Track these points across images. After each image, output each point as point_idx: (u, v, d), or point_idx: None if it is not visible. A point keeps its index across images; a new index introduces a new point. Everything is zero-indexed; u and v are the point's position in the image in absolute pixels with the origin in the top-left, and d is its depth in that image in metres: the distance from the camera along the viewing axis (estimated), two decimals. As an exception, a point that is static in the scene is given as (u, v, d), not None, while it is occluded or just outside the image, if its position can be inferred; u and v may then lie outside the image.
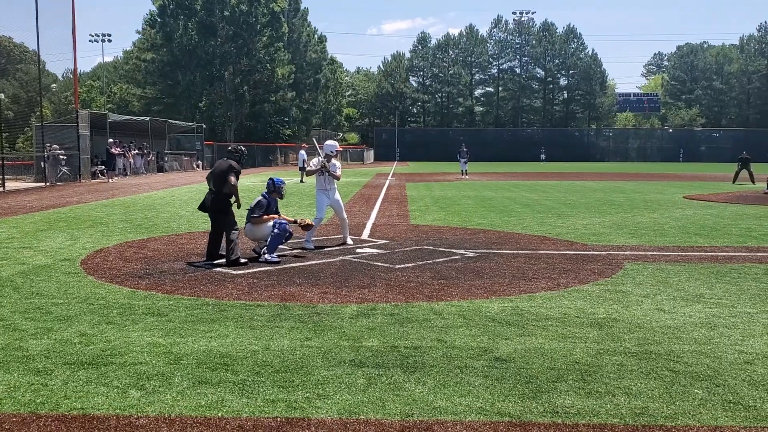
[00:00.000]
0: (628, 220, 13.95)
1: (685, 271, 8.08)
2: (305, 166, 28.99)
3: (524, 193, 22.48)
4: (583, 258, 8.98)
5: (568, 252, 9.53)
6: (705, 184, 30.00)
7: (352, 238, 10.49)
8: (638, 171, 47.65)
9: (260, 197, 8.82)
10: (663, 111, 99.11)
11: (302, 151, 31.34)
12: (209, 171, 8.63)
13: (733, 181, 29.10)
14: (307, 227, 9.03)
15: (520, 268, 8.21)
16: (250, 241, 9.38)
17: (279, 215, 8.96)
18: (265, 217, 8.69)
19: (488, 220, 13.74)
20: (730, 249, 9.98)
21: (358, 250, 9.52)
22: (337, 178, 9.98)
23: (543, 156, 75.54)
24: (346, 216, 10.29)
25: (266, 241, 8.66)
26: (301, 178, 30.01)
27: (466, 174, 35.31)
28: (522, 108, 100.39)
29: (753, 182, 27.77)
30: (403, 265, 8.31)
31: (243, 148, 8.78)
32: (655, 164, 69.77)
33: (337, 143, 10.18)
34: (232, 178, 8.41)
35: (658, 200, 19.47)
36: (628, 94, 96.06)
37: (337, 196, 10.10)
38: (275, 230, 8.55)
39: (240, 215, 8.93)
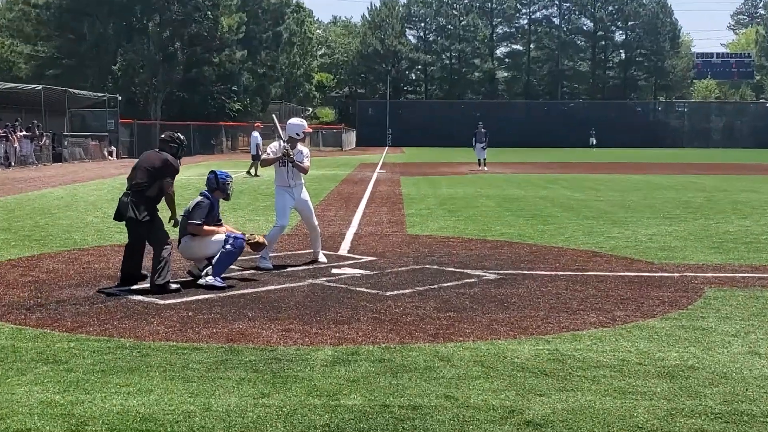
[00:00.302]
0: (710, 228, 14.07)
1: (788, 299, 8.16)
2: (260, 153, 28.98)
3: (565, 192, 22.62)
4: (647, 282, 9.05)
5: (626, 273, 9.59)
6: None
7: (325, 254, 10.51)
8: (724, 161, 48.11)
9: (200, 197, 8.82)
10: (758, 78, 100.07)
11: (256, 133, 31.18)
12: (133, 167, 8.60)
13: None
14: (257, 246, 9.00)
15: (561, 295, 8.26)
16: (184, 260, 9.37)
17: (221, 224, 8.95)
18: (208, 228, 8.68)
19: (516, 229, 13.81)
20: None
21: (335, 271, 9.55)
22: (305, 171, 10.00)
23: (593, 140, 75.89)
24: (317, 223, 10.32)
25: (208, 260, 8.64)
26: (255, 170, 30.04)
27: (485, 164, 35.48)
28: (562, 73, 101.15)
29: None
30: (396, 292, 8.33)
31: (182, 137, 8.78)
32: (747, 151, 70.42)
33: (304, 122, 10.20)
34: (169, 184, 8.41)
35: (751, 202, 19.65)
36: (710, 55, 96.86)
37: (305, 195, 10.12)
38: (227, 247, 8.54)
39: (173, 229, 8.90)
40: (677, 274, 9.54)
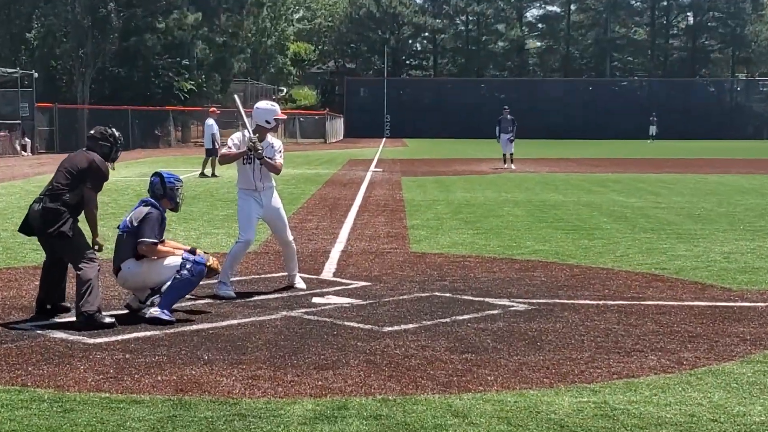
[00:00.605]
0: (803, 244, 14.08)
1: None
2: (217, 146, 28.89)
3: (617, 197, 22.66)
4: (723, 314, 9.05)
5: (696, 303, 9.60)
6: None
7: (304, 278, 10.51)
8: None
9: (147, 208, 8.78)
10: None
11: (211, 121, 31.08)
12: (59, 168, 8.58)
13: None
14: (209, 272, 8.95)
15: (611, 331, 8.25)
16: (120, 287, 9.36)
17: (163, 241, 8.93)
18: (164, 248, 8.65)
19: (552, 245, 13.81)
20: None
21: (316, 300, 9.55)
22: (276, 171, 9.99)
23: (654, 129, 75.75)
24: (292, 238, 10.31)
25: (154, 289, 8.63)
26: (212, 168, 30.01)
27: (512, 161, 35.53)
28: (612, 43, 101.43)
29: None
30: (396, 327, 8.33)
31: (117, 134, 8.78)
32: None
33: (276, 106, 10.18)
34: (92, 195, 8.40)
35: None
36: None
37: (276, 201, 10.12)
38: (184, 272, 8.53)
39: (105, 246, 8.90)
40: (762, 304, 9.53)
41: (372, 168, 35.39)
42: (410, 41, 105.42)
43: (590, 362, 7.19)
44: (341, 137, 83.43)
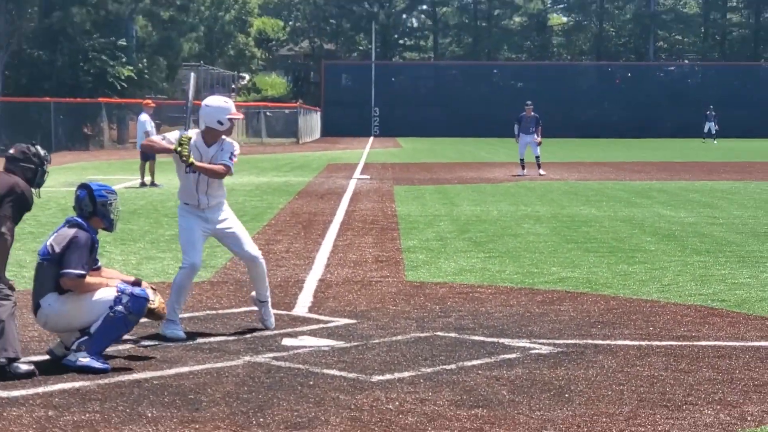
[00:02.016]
0: None
1: None
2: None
3: (663, 210, 22.70)
4: (797, 357, 9.06)
5: (763, 343, 9.59)
6: None
7: (276, 314, 10.50)
8: None
9: (73, 230, 8.73)
10: None
11: (145, 116, 31.11)
12: None
13: None
14: (153, 316, 8.93)
15: (657, 380, 8.26)
16: (45, 331, 9.34)
17: (100, 268, 8.91)
18: (93, 280, 8.61)
19: (583, 272, 13.82)
20: None
21: (288, 342, 9.53)
22: (219, 175, 9.84)
23: (711, 126, 75.75)
24: (259, 252, 10.18)
25: (83, 330, 8.60)
26: (151, 175, 29.95)
27: (539, 166, 35.53)
28: (656, 18, 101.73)
29: None
30: (389, 377, 8.32)
31: (43, 152, 8.78)
32: None
33: (230, 103, 10.07)
34: (8, 227, 8.36)
35: None
36: None
37: (228, 217, 10.05)
38: (119, 309, 8.48)
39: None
40: None
41: (357, 175, 35.39)
42: (404, 16, 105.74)
43: (631, 419, 7.19)
44: (318, 136, 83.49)
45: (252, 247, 10.07)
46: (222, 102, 9.97)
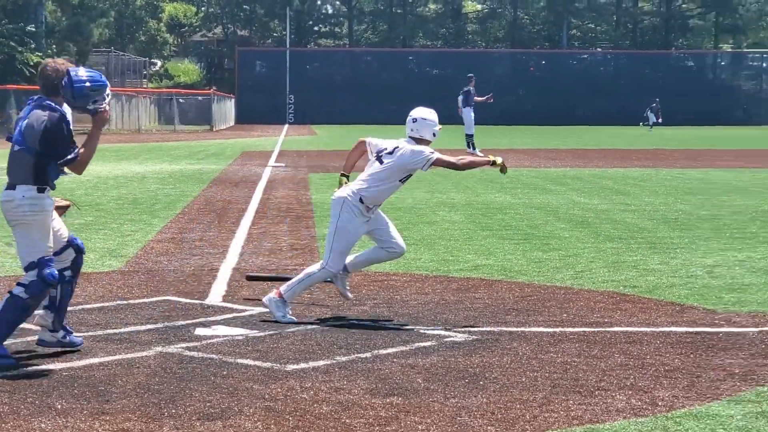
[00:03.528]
0: (804, 255, 14.36)
1: None
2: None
3: (577, 197, 22.90)
4: (706, 342, 9.18)
5: (673, 329, 9.71)
6: None
7: (184, 303, 10.42)
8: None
9: (44, 113, 8.51)
10: None
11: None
12: None
13: None
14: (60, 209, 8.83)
15: (570, 366, 8.32)
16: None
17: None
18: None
19: (497, 259, 13.90)
20: None
21: (201, 332, 9.48)
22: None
23: (652, 117, 76.12)
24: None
25: None
26: None
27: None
28: (569, 6, 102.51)
29: None
30: (303, 365, 8.30)
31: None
32: None
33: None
34: None
35: None
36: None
37: (379, 214, 10.46)
38: (18, 291, 8.40)
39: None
40: (754, 329, 9.69)
41: (271, 162, 35.27)
42: (319, 2, 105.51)
43: (544, 404, 7.23)
44: (232, 123, 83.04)
45: (402, 241, 10.43)
46: (435, 115, 10.53)
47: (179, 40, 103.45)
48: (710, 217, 19.08)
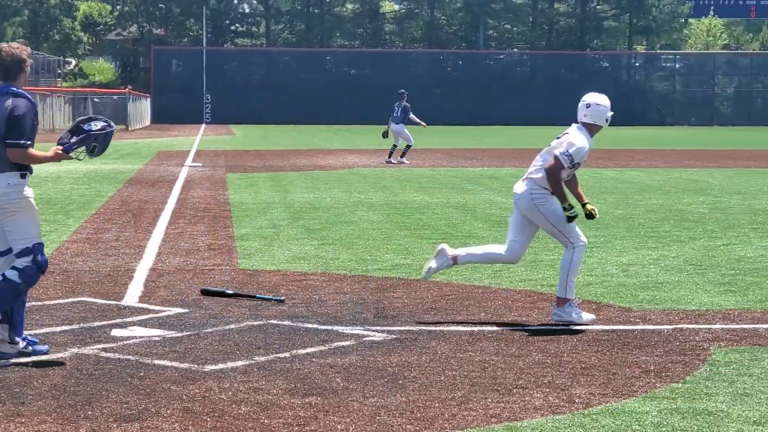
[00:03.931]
0: (717, 254, 14.59)
1: (837, 363, 8.52)
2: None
3: (495, 197, 23.03)
4: (622, 339, 9.29)
5: (590, 327, 9.81)
6: None
7: (100, 304, 10.32)
8: (737, 146, 50.02)
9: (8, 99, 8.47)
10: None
11: None
12: None
13: None
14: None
15: (488, 364, 8.36)
16: None
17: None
18: (36, 152, 8.51)
19: (416, 259, 13.93)
20: None
21: (117, 333, 9.41)
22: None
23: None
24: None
25: None
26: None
27: (391, 155, 35.39)
28: (486, 7, 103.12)
29: None
30: (222, 366, 8.27)
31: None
32: (771, 131, 73.52)
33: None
34: None
35: (778, 210, 20.52)
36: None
37: None
38: (10, 274, 8.35)
39: None
40: (668, 327, 9.82)
41: (188, 162, 35.02)
42: (235, 1, 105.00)
43: (463, 403, 7.26)
44: (148, 123, 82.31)
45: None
46: (608, 101, 10.49)
47: (94, 38, 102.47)
48: (625, 216, 19.29)
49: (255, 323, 9.84)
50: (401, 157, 35.21)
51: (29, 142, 8.36)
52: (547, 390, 7.60)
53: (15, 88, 8.50)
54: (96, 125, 8.89)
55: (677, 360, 8.54)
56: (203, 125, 78.34)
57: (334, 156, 39.37)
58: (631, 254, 14.43)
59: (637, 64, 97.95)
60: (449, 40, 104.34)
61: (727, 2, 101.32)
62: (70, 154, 8.77)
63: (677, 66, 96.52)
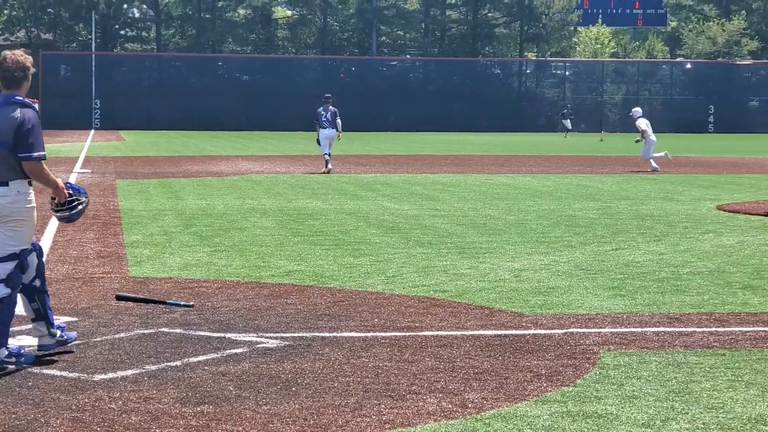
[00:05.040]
0: (606, 259, 14.80)
1: (724, 365, 8.66)
2: None
3: (388, 203, 23.09)
4: (514, 344, 9.36)
5: (483, 332, 9.87)
6: (761, 180, 32.56)
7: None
8: (626, 153, 50.76)
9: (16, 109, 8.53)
10: (673, 24, 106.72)
11: None
12: None
13: None
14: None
15: (382, 370, 8.37)
16: None
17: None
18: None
19: (309, 265, 13.93)
20: (809, 316, 10.90)
21: None
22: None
23: (567, 123, 77.36)
24: None
25: None
26: None
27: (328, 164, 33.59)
28: (378, 14, 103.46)
29: None
30: (112, 375, 8.17)
31: None
32: (659, 136, 74.72)
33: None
34: None
35: (665, 214, 20.90)
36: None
37: None
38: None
39: None
40: (559, 331, 9.93)
41: (77, 169, 34.55)
42: (125, 6, 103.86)
43: (357, 409, 7.27)
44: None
45: None
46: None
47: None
48: (517, 222, 19.46)
49: (146, 331, 9.75)
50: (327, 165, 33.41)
51: (43, 153, 8.59)
52: (441, 395, 7.63)
53: (20, 98, 8.61)
54: (82, 202, 9.26)
55: (568, 364, 8.63)
56: (92, 131, 77.27)
57: (227, 162, 39.15)
58: (523, 259, 14.56)
59: (528, 71, 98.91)
60: (342, 47, 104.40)
61: (614, 11, 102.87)
62: (68, 197, 9.06)
63: (567, 73, 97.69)
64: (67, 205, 9.10)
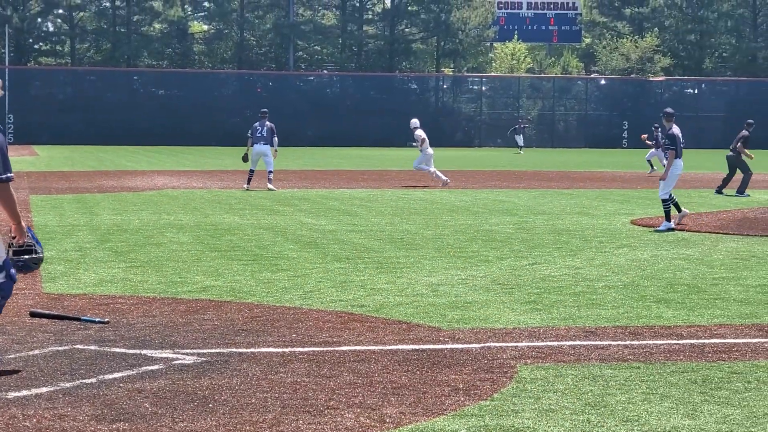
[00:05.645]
0: (522, 273, 14.91)
1: (639, 378, 8.78)
2: None
3: (305, 218, 23.05)
4: (432, 358, 9.40)
5: (401, 347, 9.90)
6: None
7: None
8: (541, 167, 51.20)
9: None
10: (588, 41, 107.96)
11: None
12: None
13: (722, 187, 32.52)
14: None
15: (300, 386, 8.36)
16: None
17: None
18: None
19: (226, 280, 13.86)
20: (727, 330, 11.03)
21: None
22: None
23: (519, 140, 77.38)
24: None
25: None
26: None
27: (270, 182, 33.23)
28: (295, 29, 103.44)
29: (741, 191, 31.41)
30: (25, 393, 8.07)
31: None
32: (571, 152, 75.56)
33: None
34: None
35: (581, 229, 21.11)
36: (517, 5, 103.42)
37: None
38: None
39: None
40: (476, 346, 9.97)
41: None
42: (39, 20, 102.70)
43: (274, 425, 7.25)
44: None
45: None
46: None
47: None
48: (434, 236, 19.53)
49: (60, 348, 9.63)
50: (269, 183, 33.14)
51: (10, 174, 8.76)
52: (359, 410, 7.64)
53: None
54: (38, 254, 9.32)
55: (485, 378, 8.68)
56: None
57: (143, 177, 38.85)
58: (440, 274, 14.62)
59: (444, 86, 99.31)
60: (259, 62, 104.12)
61: (530, 27, 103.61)
62: (27, 240, 9.27)
63: (483, 89, 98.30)
64: (27, 250, 9.06)
